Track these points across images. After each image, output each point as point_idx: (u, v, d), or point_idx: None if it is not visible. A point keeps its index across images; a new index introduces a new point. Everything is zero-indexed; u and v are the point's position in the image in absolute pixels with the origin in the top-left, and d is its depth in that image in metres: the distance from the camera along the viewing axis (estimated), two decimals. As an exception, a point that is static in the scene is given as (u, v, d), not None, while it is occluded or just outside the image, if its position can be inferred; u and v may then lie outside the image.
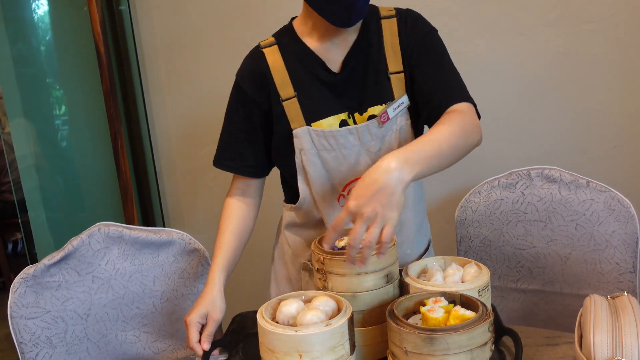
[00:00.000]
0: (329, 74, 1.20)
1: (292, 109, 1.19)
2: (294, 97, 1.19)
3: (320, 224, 1.27)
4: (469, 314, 0.95)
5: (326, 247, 1.04)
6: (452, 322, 0.94)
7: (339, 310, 1.01)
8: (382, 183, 0.90)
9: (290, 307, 1.00)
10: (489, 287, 1.12)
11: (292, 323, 0.99)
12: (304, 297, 1.06)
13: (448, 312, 0.97)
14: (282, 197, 1.36)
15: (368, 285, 1.07)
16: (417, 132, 1.25)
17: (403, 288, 1.12)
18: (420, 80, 1.18)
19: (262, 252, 2.11)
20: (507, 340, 1.09)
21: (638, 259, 1.46)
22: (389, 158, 0.93)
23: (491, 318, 0.93)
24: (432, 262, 1.18)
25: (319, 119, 1.20)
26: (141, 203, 2.12)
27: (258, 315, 0.99)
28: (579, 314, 1.02)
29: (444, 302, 1.00)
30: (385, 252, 0.98)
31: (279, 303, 1.03)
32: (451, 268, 1.14)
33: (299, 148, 1.20)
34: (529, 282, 1.57)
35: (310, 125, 1.19)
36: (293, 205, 1.28)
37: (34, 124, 2.06)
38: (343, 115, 1.21)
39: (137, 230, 1.42)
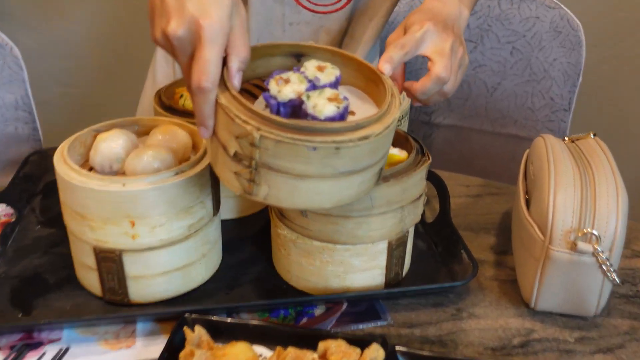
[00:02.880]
0: None
1: None
2: None
3: None
4: (398, 153, 0.62)
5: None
6: None
7: (194, 147, 0.65)
8: (450, 20, 0.68)
9: (113, 143, 0.62)
10: (408, 116, 0.80)
11: (119, 171, 0.62)
12: (137, 127, 0.68)
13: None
14: None
15: None
16: None
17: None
18: None
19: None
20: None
21: (575, 96, 1.21)
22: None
23: (430, 160, 0.62)
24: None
25: None
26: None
27: (56, 159, 0.60)
28: (524, 161, 0.73)
29: None
30: None
31: (94, 137, 0.64)
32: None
33: None
34: (445, 115, 1.29)
35: None
36: None
37: None
38: None
39: None
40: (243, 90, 0.58)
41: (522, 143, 1.26)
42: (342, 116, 0.51)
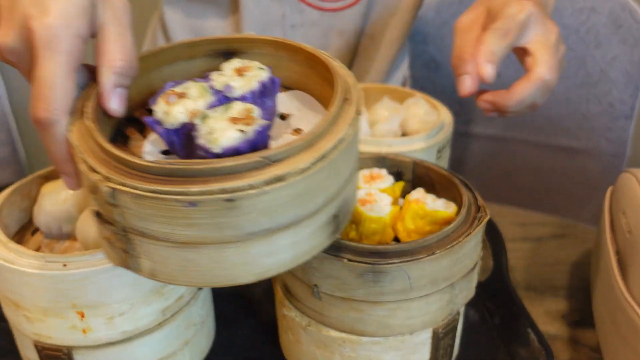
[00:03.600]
0: None
1: None
2: None
3: None
4: (444, 207, 0.46)
5: None
6: (410, 226, 0.45)
7: None
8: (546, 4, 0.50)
9: (61, 196, 0.46)
10: (450, 144, 0.64)
11: (72, 234, 0.47)
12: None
13: (396, 202, 0.48)
14: None
15: None
16: None
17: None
18: None
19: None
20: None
21: (639, 101, 1.03)
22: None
23: (488, 216, 0.45)
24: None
25: None
26: None
27: None
28: (607, 206, 0.56)
29: (386, 179, 0.50)
30: None
31: (39, 185, 0.49)
32: (381, 106, 0.64)
33: None
34: (486, 124, 1.13)
35: None
36: None
37: None
38: None
39: None
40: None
41: (576, 156, 1.09)
42: (253, 145, 0.33)
